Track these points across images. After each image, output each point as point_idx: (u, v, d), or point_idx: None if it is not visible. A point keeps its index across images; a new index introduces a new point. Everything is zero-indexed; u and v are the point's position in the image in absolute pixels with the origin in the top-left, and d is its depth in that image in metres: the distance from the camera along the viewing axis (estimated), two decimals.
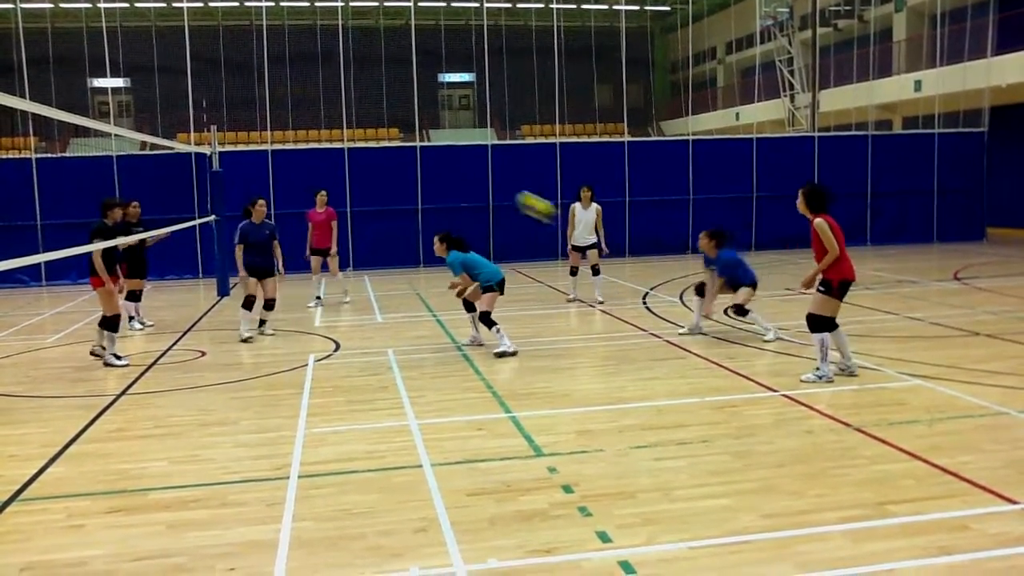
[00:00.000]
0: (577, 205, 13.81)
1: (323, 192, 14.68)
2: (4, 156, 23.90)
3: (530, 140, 34.73)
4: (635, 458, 6.17)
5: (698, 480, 5.70)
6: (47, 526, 5.29)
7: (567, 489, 5.54)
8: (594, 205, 13.76)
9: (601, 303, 13.73)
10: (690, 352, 9.84)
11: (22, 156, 22.44)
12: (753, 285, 10.53)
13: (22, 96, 18.20)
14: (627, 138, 23.59)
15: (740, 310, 10.46)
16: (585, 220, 13.75)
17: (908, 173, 23.08)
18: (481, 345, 10.53)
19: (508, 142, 28.86)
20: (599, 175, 21.37)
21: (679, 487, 5.57)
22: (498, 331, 9.99)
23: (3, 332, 11.24)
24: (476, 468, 6.04)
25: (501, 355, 9.86)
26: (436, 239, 10.48)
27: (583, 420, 7.21)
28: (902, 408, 7.31)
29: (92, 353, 10.53)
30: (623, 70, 27.50)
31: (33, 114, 16.54)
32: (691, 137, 23.91)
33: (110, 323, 10.09)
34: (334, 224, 14.53)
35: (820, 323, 8.22)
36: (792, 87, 32.06)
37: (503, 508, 5.27)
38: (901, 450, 6.16)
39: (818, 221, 8.12)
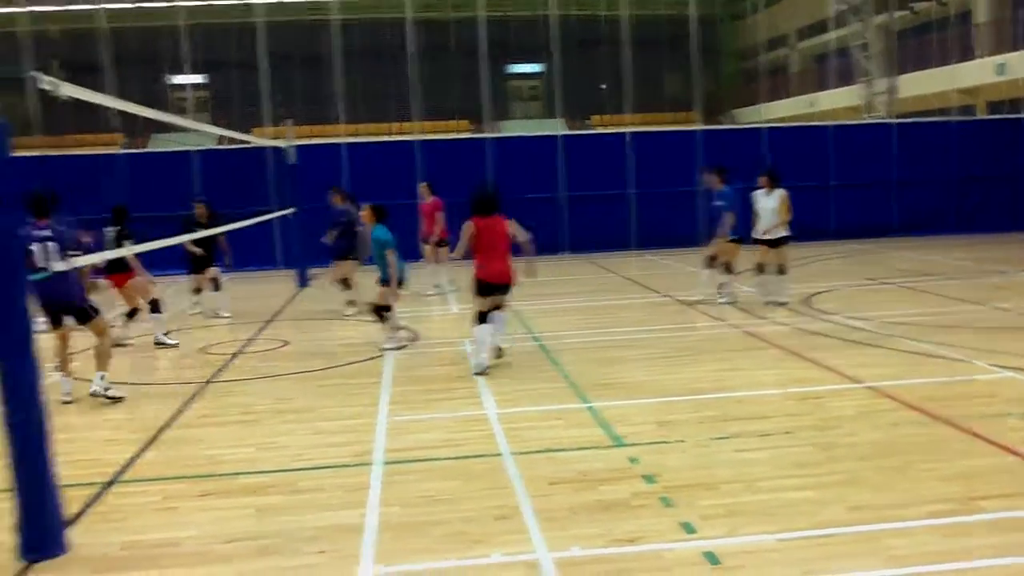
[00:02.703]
0: (759, 192, 12.04)
1: (423, 183, 14.98)
2: (92, 152, 24.68)
3: (600, 130, 34.54)
4: (716, 449, 6.14)
5: (781, 472, 5.65)
6: (143, 507, 5.50)
7: (649, 479, 5.53)
8: (778, 191, 11.82)
9: (784, 303, 11.85)
10: (770, 343, 9.72)
11: (108, 152, 23.18)
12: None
13: (107, 94, 18.79)
14: (700, 126, 23.29)
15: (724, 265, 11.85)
16: (767, 208, 11.86)
17: (992, 159, 22.33)
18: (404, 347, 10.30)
19: (578, 132, 28.78)
20: (670, 164, 21.21)
21: (762, 479, 5.52)
22: (390, 320, 10.15)
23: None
24: (555, 457, 6.07)
25: (387, 349, 10.03)
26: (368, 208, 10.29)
27: (662, 411, 7.19)
28: (992, 400, 7.12)
29: (156, 343, 11.07)
30: (694, 57, 27.11)
31: (118, 111, 17.06)
32: (765, 125, 23.52)
33: (156, 306, 11.10)
34: (438, 215, 14.51)
35: None
36: (868, 73, 31.29)
37: (584, 497, 5.29)
38: (992, 444, 6.00)
39: None
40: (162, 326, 11.25)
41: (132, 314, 11.16)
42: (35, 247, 7.56)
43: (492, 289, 8.86)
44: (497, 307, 8.99)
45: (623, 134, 22.23)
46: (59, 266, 7.05)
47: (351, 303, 13.12)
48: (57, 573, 4.59)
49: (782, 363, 8.83)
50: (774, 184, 11.76)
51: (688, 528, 4.78)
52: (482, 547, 4.65)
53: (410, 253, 14.55)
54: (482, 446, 6.42)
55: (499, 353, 9.18)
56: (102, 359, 8.33)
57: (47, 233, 7.74)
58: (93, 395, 8.26)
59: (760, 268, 12.04)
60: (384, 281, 10.03)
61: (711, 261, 12.59)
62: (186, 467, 6.25)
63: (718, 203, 12.39)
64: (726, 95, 43.67)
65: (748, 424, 6.71)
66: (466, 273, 10.45)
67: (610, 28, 39.59)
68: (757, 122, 31.61)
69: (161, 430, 7.21)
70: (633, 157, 21.43)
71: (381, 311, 10.17)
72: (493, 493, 5.43)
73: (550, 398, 7.76)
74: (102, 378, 8.32)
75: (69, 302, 8.11)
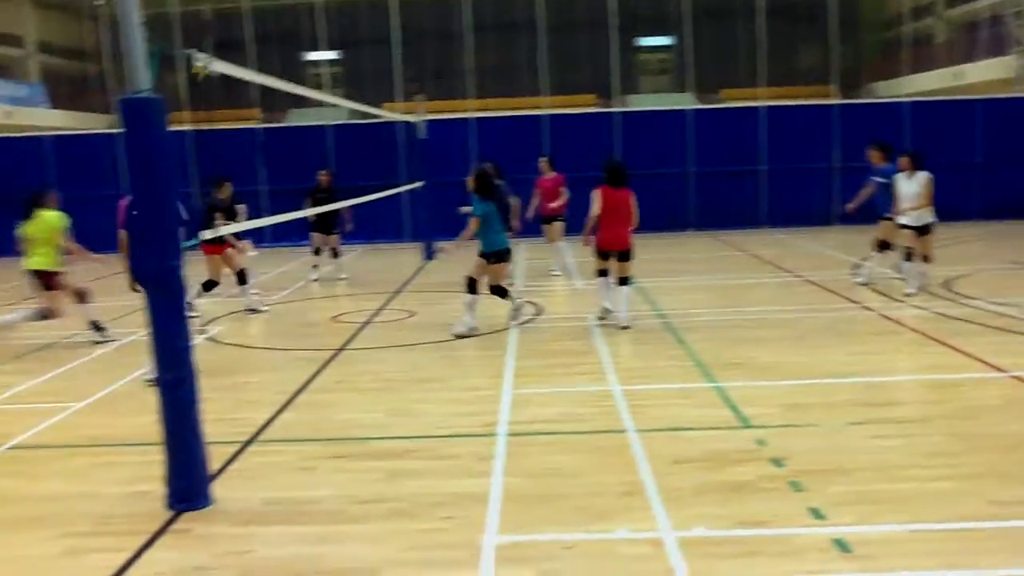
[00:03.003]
0: (900, 174, 11.16)
1: (543, 158, 14.37)
2: (233, 126, 25.74)
3: (730, 104, 33.72)
4: (848, 435, 5.96)
5: (917, 460, 5.45)
6: (281, 466, 5.76)
7: (777, 463, 5.43)
8: (921, 173, 10.96)
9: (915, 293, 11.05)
10: (906, 327, 9.34)
11: (248, 126, 24.14)
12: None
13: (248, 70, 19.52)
14: (837, 100, 22.42)
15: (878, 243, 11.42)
16: (909, 192, 10.98)
17: None
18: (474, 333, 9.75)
19: (708, 106, 28.16)
20: (805, 140, 20.55)
21: (896, 466, 5.34)
22: (471, 303, 9.69)
23: (236, 289, 12.20)
24: (681, 436, 6.03)
25: (460, 336, 9.54)
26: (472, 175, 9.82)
27: (791, 393, 7.03)
28: None
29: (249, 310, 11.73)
30: (832, 28, 26.01)
31: (258, 86, 17.71)
32: (907, 99, 22.45)
33: (210, 286, 11.40)
34: (562, 189, 13.94)
35: None
36: (1021, 42, 29.38)
37: (710, 477, 5.25)
38: None
39: None
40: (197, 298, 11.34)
41: (242, 279, 11.62)
42: None
43: (610, 254, 9.81)
44: (623, 279, 9.81)
45: (756, 108, 21.64)
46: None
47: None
48: (203, 523, 4.88)
49: (919, 348, 8.48)
50: (917, 166, 11.12)
51: (817, 514, 4.68)
52: (606, 522, 4.67)
53: (531, 228, 14.60)
54: (606, 422, 6.43)
55: (604, 314, 9.99)
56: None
57: None
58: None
59: (908, 255, 11.23)
60: (484, 254, 9.70)
61: (881, 245, 11.83)
62: (321, 430, 6.51)
63: (879, 179, 11.73)
64: (865, 67, 41.83)
65: (882, 410, 6.50)
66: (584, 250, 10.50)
67: None
68: (898, 96, 30.17)
69: (297, 393, 7.53)
70: (765, 132, 20.85)
71: (499, 291, 9.90)
72: (617, 469, 5.45)
73: (676, 376, 7.70)
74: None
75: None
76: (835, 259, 14.91)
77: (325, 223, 14.01)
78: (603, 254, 9.84)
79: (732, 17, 39.71)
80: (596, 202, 9.59)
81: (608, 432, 6.19)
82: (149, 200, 4.90)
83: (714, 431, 6.12)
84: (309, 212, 12.24)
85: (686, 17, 34.93)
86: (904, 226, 11.13)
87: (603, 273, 9.96)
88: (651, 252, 15.49)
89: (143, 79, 4.77)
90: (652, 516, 4.73)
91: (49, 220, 9.54)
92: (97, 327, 9.91)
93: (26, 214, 9.64)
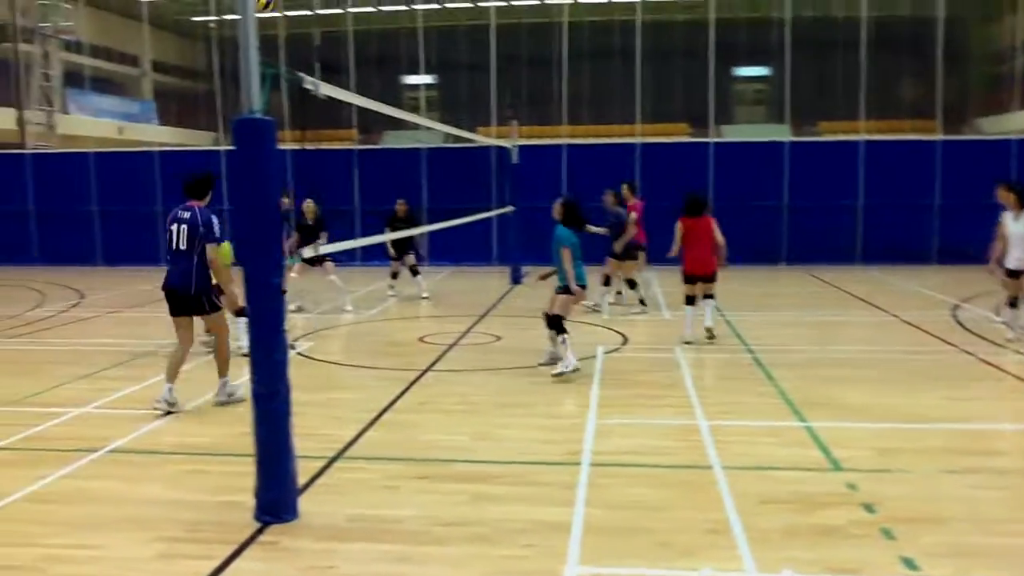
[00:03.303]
0: (1007, 214, 10.32)
1: (624, 184, 13.84)
2: (331, 147, 26.43)
3: (829, 137, 33.06)
4: (944, 483, 5.75)
5: (1015, 514, 5.23)
6: (366, 484, 5.85)
7: (868, 508, 5.27)
8: None
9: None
10: (1007, 372, 8.98)
11: (345, 147, 24.74)
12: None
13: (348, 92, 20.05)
14: (940, 136, 21.78)
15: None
16: (1016, 234, 10.18)
17: None
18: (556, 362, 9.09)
19: (805, 139, 27.70)
20: (905, 176, 20.01)
21: (996, 519, 5.12)
22: (564, 341, 8.92)
23: (325, 306, 12.53)
24: (769, 475, 5.91)
25: (560, 375, 8.74)
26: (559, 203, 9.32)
27: (884, 436, 6.82)
28: None
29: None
30: (938, 63, 25.27)
31: (356, 108, 18.20)
32: (1015, 136, 21.65)
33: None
34: (636, 216, 13.23)
35: None
36: None
37: (798, 519, 5.12)
38: None
39: None
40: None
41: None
42: (173, 228, 7.57)
43: (696, 279, 10.68)
44: (707, 295, 10.71)
45: (856, 142, 21.17)
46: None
47: (640, 301, 13.26)
48: (289, 537, 4.98)
49: (1021, 396, 8.13)
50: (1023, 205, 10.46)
51: (910, 564, 4.52)
52: (690, 559, 4.61)
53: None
54: (691, 456, 6.35)
55: (710, 334, 10.61)
56: (221, 363, 7.87)
57: (186, 216, 7.56)
58: (220, 404, 7.81)
59: (1013, 302, 10.44)
60: (562, 288, 9.10)
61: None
62: (406, 450, 6.58)
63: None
64: (971, 102, 40.53)
65: (980, 459, 6.25)
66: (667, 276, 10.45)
67: (845, 29, 37.78)
68: (1005, 133, 29.14)
69: (383, 412, 7.64)
70: (864, 166, 20.37)
71: (556, 321, 9.07)
72: (702, 505, 5.36)
73: (764, 413, 7.55)
74: (224, 385, 7.86)
75: (184, 289, 7.59)
76: (933, 299, 14.43)
77: (401, 248, 14.77)
78: (689, 279, 10.71)
79: (833, 48, 39.01)
80: (677, 234, 10.65)
81: (693, 467, 6.10)
82: (257, 217, 5.07)
83: (803, 472, 5.97)
84: (385, 238, 12.57)
85: (784, 48, 34.39)
86: (1010, 271, 10.34)
87: (690, 301, 10.67)
88: (742, 285, 15.27)
89: (256, 101, 4.95)
90: (738, 556, 4.64)
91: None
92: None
93: None
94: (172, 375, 7.62)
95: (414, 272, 14.99)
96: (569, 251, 8.97)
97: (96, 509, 5.43)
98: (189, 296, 7.62)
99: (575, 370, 8.77)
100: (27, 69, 31.52)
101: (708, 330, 10.65)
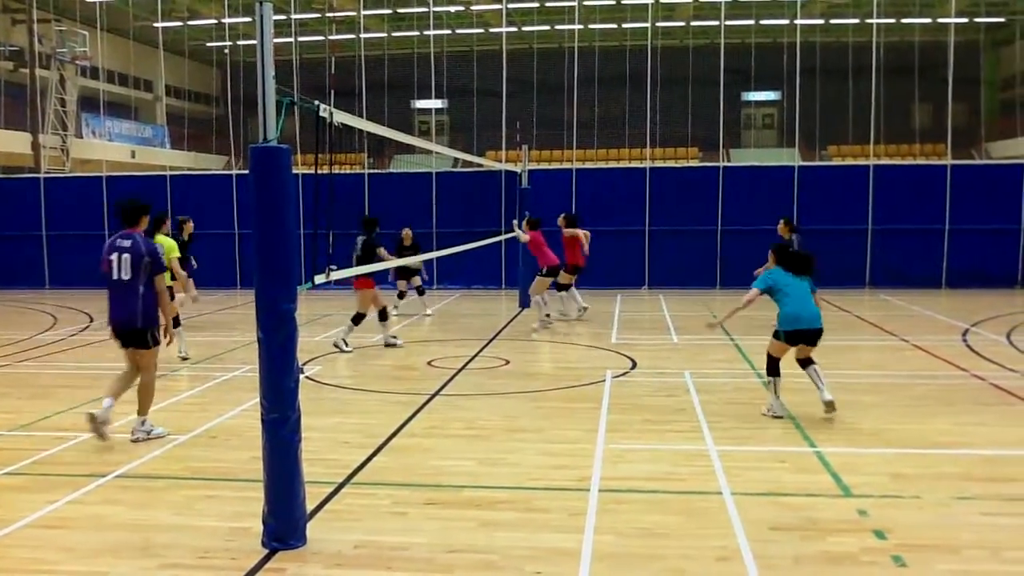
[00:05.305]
0: None
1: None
2: (340, 171, 26.56)
3: (838, 161, 33.06)
4: (956, 510, 5.70)
5: None
6: (374, 510, 5.83)
7: (879, 535, 5.23)
8: None
9: None
10: (1019, 398, 8.92)
11: (355, 171, 24.87)
12: None
13: (360, 117, 20.17)
14: (949, 161, 21.77)
15: None
16: None
17: None
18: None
19: (815, 163, 27.70)
20: (916, 200, 19.99)
21: (1010, 548, 5.07)
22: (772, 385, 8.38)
23: (333, 330, 12.53)
24: (779, 501, 5.87)
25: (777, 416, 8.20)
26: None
27: (895, 462, 6.77)
28: None
29: (334, 345, 12.17)
30: (949, 87, 25.30)
31: (366, 132, 18.31)
32: None
33: (359, 319, 12.22)
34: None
35: None
36: None
37: (809, 547, 5.09)
38: None
39: None
40: (347, 333, 12.29)
41: (383, 316, 12.46)
42: (112, 257, 7.37)
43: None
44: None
45: (865, 166, 21.17)
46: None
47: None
48: (297, 563, 4.96)
49: None
50: None
51: None
52: None
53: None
54: (701, 483, 6.31)
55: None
56: (143, 398, 7.63)
57: (126, 244, 7.38)
58: (135, 441, 7.52)
59: None
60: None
61: None
62: (414, 475, 6.56)
63: None
64: (981, 128, 40.51)
65: (992, 486, 6.19)
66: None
67: (856, 54, 37.87)
68: (1016, 157, 29.09)
69: (391, 437, 7.63)
70: (874, 191, 20.36)
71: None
72: (712, 532, 5.33)
73: (774, 439, 7.52)
74: (142, 423, 7.61)
75: (131, 324, 7.44)
76: (944, 324, 14.37)
77: (407, 272, 16.20)
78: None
79: (843, 73, 39.09)
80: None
81: (703, 493, 6.07)
82: (271, 243, 5.10)
83: (813, 498, 5.93)
84: (391, 264, 12.58)
85: (795, 72, 34.49)
86: None
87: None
88: (751, 309, 15.14)
89: (272, 129, 5.00)
90: None
91: (162, 244, 9.82)
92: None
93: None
94: (117, 394, 7.53)
95: (420, 292, 16.38)
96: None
97: (105, 535, 5.42)
98: (136, 330, 7.47)
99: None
100: (43, 94, 31.87)
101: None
